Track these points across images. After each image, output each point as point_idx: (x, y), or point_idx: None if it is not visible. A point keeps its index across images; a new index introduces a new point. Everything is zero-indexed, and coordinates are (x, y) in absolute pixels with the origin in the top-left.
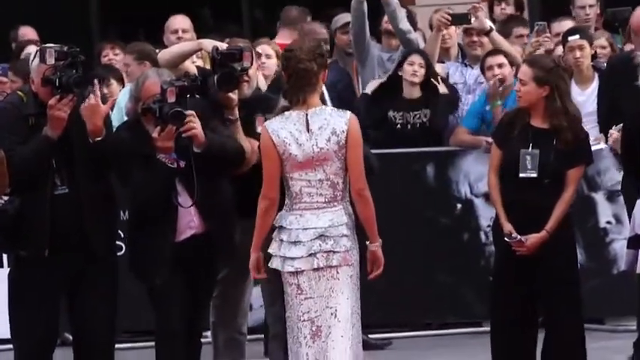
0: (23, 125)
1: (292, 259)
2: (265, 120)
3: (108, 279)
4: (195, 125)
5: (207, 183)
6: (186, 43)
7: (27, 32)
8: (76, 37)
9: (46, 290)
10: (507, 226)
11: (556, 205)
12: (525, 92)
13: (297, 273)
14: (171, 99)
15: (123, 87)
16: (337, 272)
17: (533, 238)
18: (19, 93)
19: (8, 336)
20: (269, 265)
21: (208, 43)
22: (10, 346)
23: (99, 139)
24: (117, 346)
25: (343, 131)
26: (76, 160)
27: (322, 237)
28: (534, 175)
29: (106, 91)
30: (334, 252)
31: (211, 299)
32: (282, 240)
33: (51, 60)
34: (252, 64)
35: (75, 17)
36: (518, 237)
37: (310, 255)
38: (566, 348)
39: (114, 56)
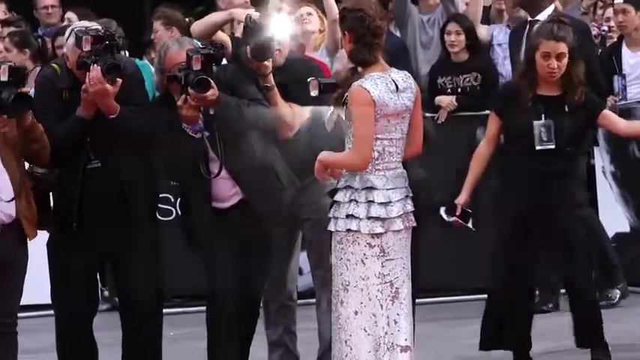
0: (57, 98)
1: (383, 219)
2: (320, 83)
3: (150, 244)
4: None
5: (237, 149)
6: (217, 13)
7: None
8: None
9: (81, 258)
10: (462, 198)
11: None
12: (564, 65)
13: (381, 234)
14: (197, 66)
15: None
16: (409, 232)
17: None
18: (54, 65)
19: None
20: (337, 228)
21: (241, 12)
22: (52, 311)
23: (113, 116)
24: (168, 310)
25: (415, 91)
26: (110, 135)
27: (406, 197)
28: (552, 146)
29: (153, 55)
30: (411, 212)
31: (267, 266)
32: (371, 201)
33: (87, 47)
34: (285, 33)
35: None
36: (459, 220)
37: (399, 216)
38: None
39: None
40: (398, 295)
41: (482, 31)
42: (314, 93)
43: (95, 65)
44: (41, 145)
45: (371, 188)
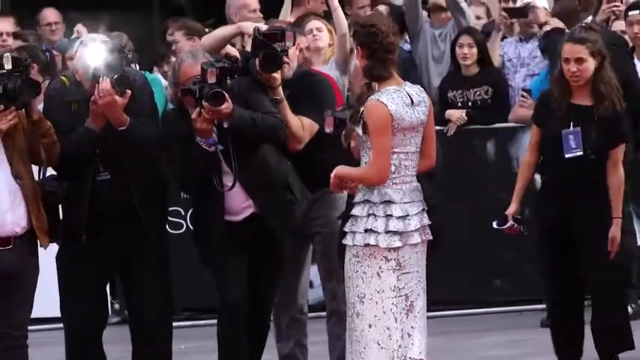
0: (66, 111)
1: (400, 233)
2: (335, 119)
3: (160, 257)
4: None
5: (250, 162)
6: (226, 26)
7: (49, 14)
8: (136, 11)
9: (91, 270)
10: (512, 208)
11: (610, 192)
12: (585, 69)
13: (398, 248)
14: (212, 79)
15: None
16: (424, 246)
17: (613, 232)
18: (63, 78)
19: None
20: (354, 242)
21: (249, 25)
22: (62, 325)
23: (123, 128)
24: (179, 323)
25: (429, 105)
26: (119, 147)
27: (423, 210)
28: (580, 153)
29: (167, 68)
30: (427, 226)
31: (278, 279)
32: (389, 215)
33: None
34: (294, 44)
35: None
36: (514, 225)
37: (416, 229)
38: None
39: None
40: (413, 308)
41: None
42: (329, 130)
43: (104, 77)
44: (51, 140)
45: (389, 202)
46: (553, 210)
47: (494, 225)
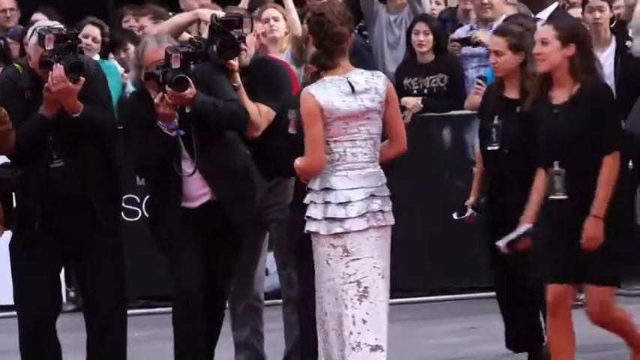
0: (19, 98)
1: (341, 220)
2: (297, 120)
3: (114, 244)
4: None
5: (211, 149)
6: (183, 13)
7: (4, 1)
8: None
9: (44, 258)
10: (471, 199)
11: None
12: (503, 62)
13: (343, 234)
14: (176, 65)
15: None
16: (385, 232)
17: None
18: (16, 65)
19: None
20: (306, 229)
21: (206, 12)
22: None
23: (76, 115)
24: (133, 311)
25: (383, 91)
26: (73, 134)
27: (372, 196)
28: (496, 147)
29: (123, 55)
30: (383, 212)
31: (235, 267)
32: (328, 202)
33: (50, 45)
34: (251, 30)
35: None
36: (473, 213)
37: (361, 215)
38: None
39: (135, 23)
40: (367, 294)
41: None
42: (292, 131)
43: (58, 64)
44: (6, 128)
45: (328, 189)
46: (491, 200)
47: (454, 216)
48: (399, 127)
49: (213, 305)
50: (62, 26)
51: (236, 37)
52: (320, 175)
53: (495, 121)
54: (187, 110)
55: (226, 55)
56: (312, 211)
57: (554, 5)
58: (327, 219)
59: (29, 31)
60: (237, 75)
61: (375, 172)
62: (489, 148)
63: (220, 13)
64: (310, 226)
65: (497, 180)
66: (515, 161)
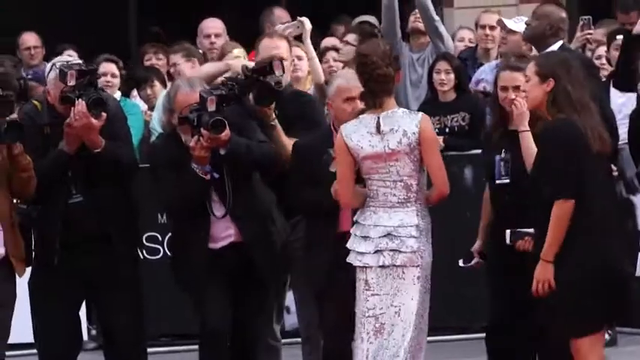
0: (38, 135)
1: (362, 254)
2: (334, 158)
3: (132, 280)
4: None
5: (240, 191)
6: (214, 64)
7: (29, 38)
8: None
9: (63, 294)
10: (477, 244)
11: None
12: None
13: (365, 268)
14: (212, 107)
15: (165, 88)
16: (403, 272)
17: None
18: (35, 102)
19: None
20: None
21: (237, 63)
22: (35, 350)
23: (98, 150)
24: (156, 349)
25: (414, 133)
26: (92, 170)
27: (389, 235)
28: (507, 180)
29: (149, 92)
30: (399, 251)
31: (266, 306)
32: (355, 235)
33: (72, 81)
34: (283, 72)
35: (113, 17)
36: (480, 261)
37: (377, 252)
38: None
39: (157, 60)
40: (382, 330)
41: None
42: (333, 169)
43: (80, 100)
44: (29, 175)
45: (357, 222)
46: (500, 236)
47: (460, 263)
48: (435, 170)
49: (241, 346)
50: (81, 62)
51: (272, 83)
52: (361, 209)
53: (503, 155)
54: (222, 152)
55: (264, 103)
56: (349, 242)
57: (559, 43)
58: (352, 251)
59: (47, 67)
60: (273, 114)
61: (408, 211)
62: (498, 182)
63: (250, 63)
64: (349, 257)
65: (505, 213)
66: (526, 194)
